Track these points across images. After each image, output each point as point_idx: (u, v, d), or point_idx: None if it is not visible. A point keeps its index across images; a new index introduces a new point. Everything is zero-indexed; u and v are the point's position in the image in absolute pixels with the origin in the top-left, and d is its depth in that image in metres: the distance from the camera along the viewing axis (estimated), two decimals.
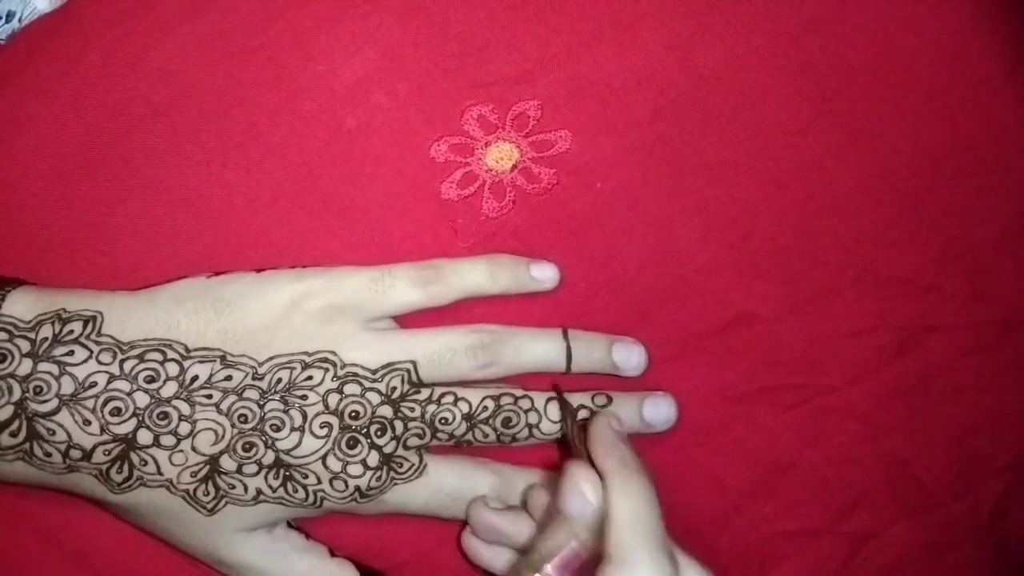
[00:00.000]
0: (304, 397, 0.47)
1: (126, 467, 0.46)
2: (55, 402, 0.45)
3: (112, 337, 0.46)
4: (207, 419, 0.46)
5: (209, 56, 0.51)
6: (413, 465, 0.48)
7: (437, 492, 0.48)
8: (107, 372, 0.46)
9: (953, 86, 0.52)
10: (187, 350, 0.47)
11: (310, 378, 0.47)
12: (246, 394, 0.46)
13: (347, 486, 0.47)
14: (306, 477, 0.47)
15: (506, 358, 0.48)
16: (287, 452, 0.46)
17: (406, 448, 0.48)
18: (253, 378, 0.47)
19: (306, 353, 0.47)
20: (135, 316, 0.47)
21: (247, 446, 0.46)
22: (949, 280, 0.52)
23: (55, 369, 0.45)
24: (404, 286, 0.48)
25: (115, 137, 0.50)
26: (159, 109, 0.51)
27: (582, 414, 0.49)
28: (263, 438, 0.46)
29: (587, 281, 0.51)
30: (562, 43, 0.52)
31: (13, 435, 0.45)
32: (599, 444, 0.44)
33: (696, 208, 0.51)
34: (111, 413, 0.46)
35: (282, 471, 0.46)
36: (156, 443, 0.46)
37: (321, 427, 0.47)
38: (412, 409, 0.47)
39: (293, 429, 0.46)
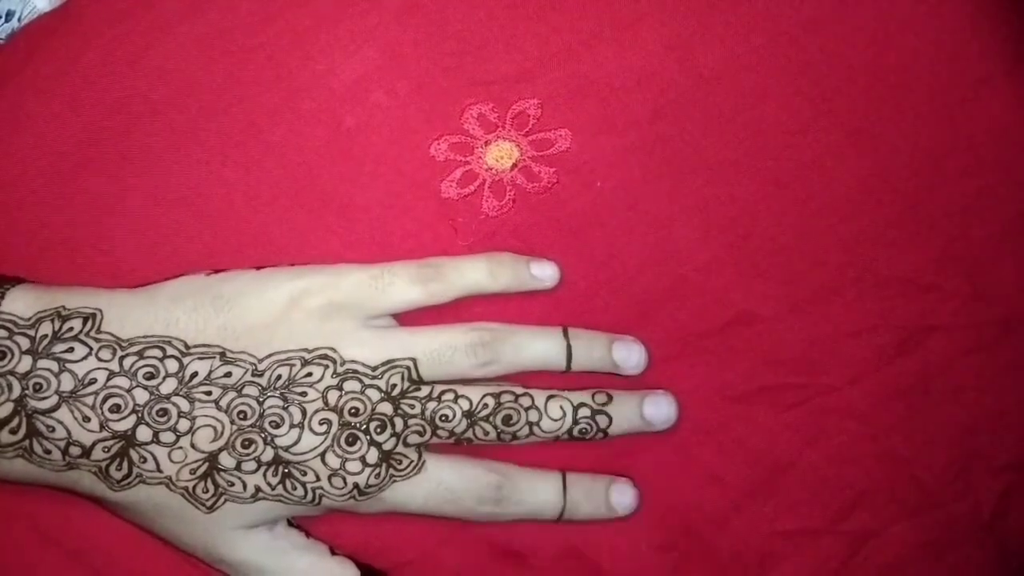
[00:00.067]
0: (303, 394, 0.47)
1: (125, 464, 0.46)
2: (55, 399, 0.45)
3: (111, 334, 0.46)
4: (206, 416, 0.46)
5: (208, 55, 0.51)
6: (412, 462, 0.48)
7: (436, 487, 0.48)
8: (107, 369, 0.46)
9: (953, 86, 0.52)
10: (186, 347, 0.47)
11: (310, 375, 0.47)
12: (245, 391, 0.46)
13: (346, 483, 0.47)
14: (305, 474, 0.46)
15: (506, 356, 0.48)
16: (286, 449, 0.46)
17: (406, 445, 0.48)
18: (252, 375, 0.47)
19: (306, 350, 0.47)
20: (134, 313, 0.47)
21: (246, 443, 0.46)
22: (949, 280, 0.52)
23: (55, 366, 0.45)
24: (404, 284, 0.48)
25: (114, 136, 0.50)
26: (158, 108, 0.51)
27: (583, 412, 0.49)
28: (262, 435, 0.46)
29: (587, 280, 0.51)
30: (562, 42, 0.52)
31: (13, 432, 0.45)
32: None
33: (696, 208, 0.51)
34: (110, 410, 0.46)
35: (281, 468, 0.46)
36: (155, 440, 0.46)
37: (320, 424, 0.46)
38: (412, 406, 0.47)
39: (292, 426, 0.46)
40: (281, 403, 0.46)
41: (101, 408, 0.45)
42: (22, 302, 0.46)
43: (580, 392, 0.50)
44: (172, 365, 0.46)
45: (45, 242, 0.50)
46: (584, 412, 0.49)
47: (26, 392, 0.45)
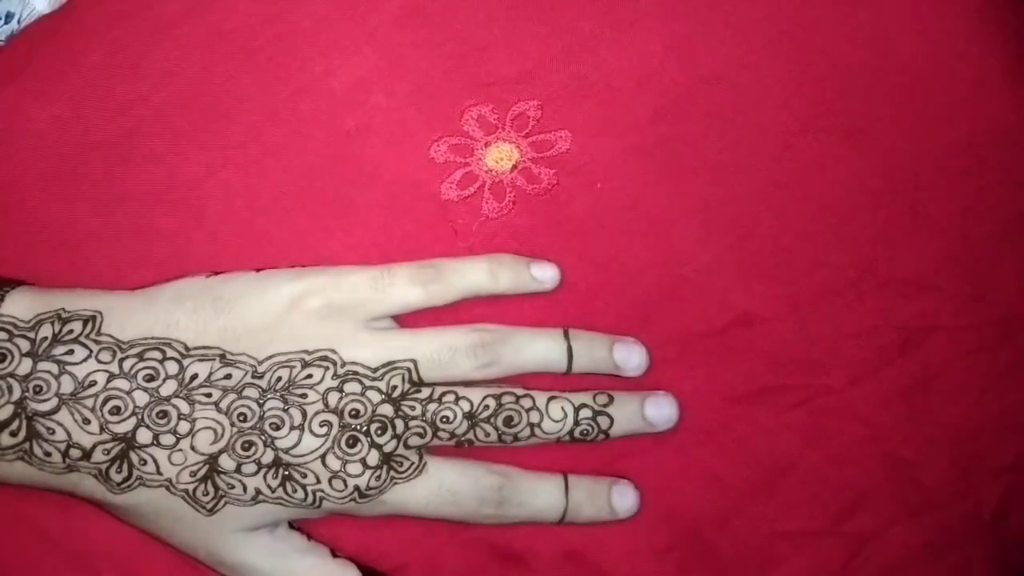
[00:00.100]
0: (304, 395, 0.46)
1: (125, 467, 0.46)
2: (55, 401, 0.45)
3: (112, 336, 0.46)
4: (206, 418, 0.46)
5: (209, 57, 0.51)
6: (413, 464, 0.47)
7: (437, 488, 0.48)
8: (107, 371, 0.46)
9: (953, 86, 0.52)
10: (186, 348, 0.46)
11: (310, 376, 0.47)
12: (245, 392, 0.46)
13: (346, 485, 0.47)
14: (305, 476, 0.46)
15: (507, 357, 0.48)
16: (286, 451, 0.46)
17: (407, 447, 0.47)
18: (253, 376, 0.47)
19: (306, 352, 0.47)
20: (134, 315, 0.47)
21: (246, 445, 0.46)
22: (949, 280, 0.51)
23: (55, 368, 0.45)
24: (404, 285, 0.48)
25: (114, 138, 0.50)
26: (159, 110, 0.51)
27: (584, 413, 0.49)
28: (262, 437, 0.46)
29: (587, 281, 0.51)
30: (562, 43, 0.52)
31: (13, 434, 0.45)
32: None
33: (696, 208, 0.51)
34: (111, 412, 0.46)
35: (281, 470, 0.46)
36: (155, 442, 0.46)
37: (321, 425, 0.46)
38: (413, 408, 0.47)
39: (292, 427, 0.46)
40: (281, 405, 0.46)
41: (101, 410, 0.45)
42: (22, 304, 0.47)
43: (581, 393, 0.49)
44: (172, 367, 0.46)
45: (45, 244, 0.50)
46: (585, 413, 0.49)
47: (26, 394, 0.45)
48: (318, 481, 0.46)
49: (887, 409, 0.51)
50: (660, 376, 0.51)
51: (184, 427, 0.46)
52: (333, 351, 0.47)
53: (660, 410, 0.50)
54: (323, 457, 0.46)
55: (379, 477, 0.47)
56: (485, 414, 0.48)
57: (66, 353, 0.46)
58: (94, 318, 0.46)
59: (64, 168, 0.50)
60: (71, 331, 0.46)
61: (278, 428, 0.46)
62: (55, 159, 0.50)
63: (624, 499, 0.50)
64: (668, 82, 0.52)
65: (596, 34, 0.52)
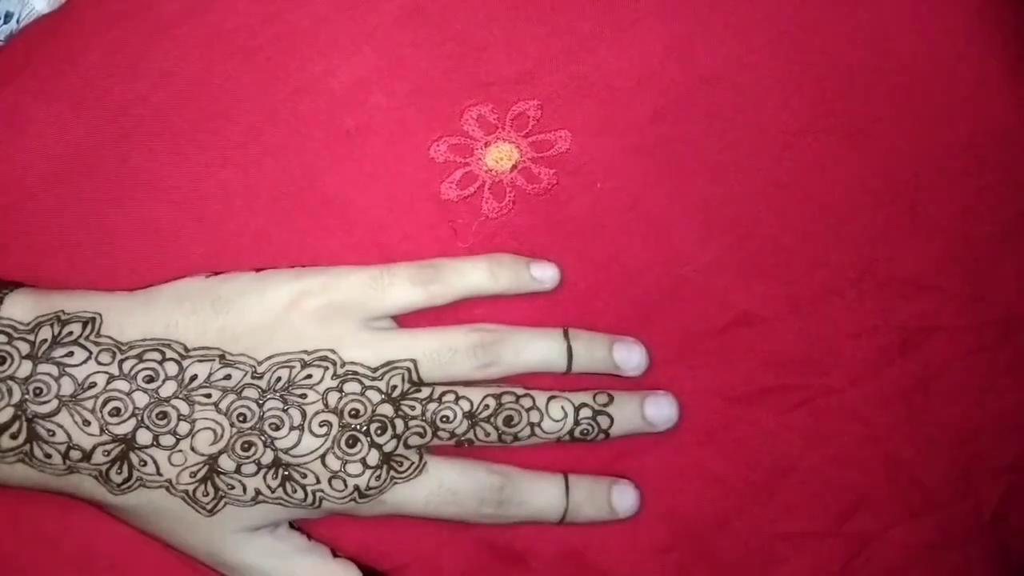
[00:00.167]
0: (303, 396, 0.46)
1: (126, 468, 0.46)
2: (55, 403, 0.45)
3: (111, 338, 0.46)
4: (206, 418, 0.46)
5: (208, 57, 0.51)
6: (413, 464, 0.47)
7: (437, 488, 0.48)
8: (106, 372, 0.46)
9: (953, 86, 0.52)
10: (186, 349, 0.46)
11: (309, 376, 0.47)
12: (245, 393, 0.46)
13: (346, 485, 0.47)
14: (305, 477, 0.46)
15: (507, 357, 0.48)
16: (286, 451, 0.46)
17: (407, 447, 0.47)
18: (252, 377, 0.46)
19: (305, 352, 0.47)
20: (134, 316, 0.47)
21: (246, 445, 0.46)
22: (949, 280, 0.51)
23: (55, 370, 0.45)
24: (404, 285, 0.48)
25: (114, 138, 0.50)
26: (158, 109, 0.51)
27: (584, 413, 0.49)
28: (262, 437, 0.46)
29: (587, 281, 0.51)
30: (562, 43, 0.52)
31: (13, 437, 0.45)
32: None
33: (696, 208, 0.51)
34: (110, 413, 0.45)
35: (281, 471, 0.46)
36: (155, 443, 0.46)
37: (320, 425, 0.46)
38: (413, 407, 0.47)
39: (292, 428, 0.46)
40: (281, 405, 0.46)
41: (101, 412, 0.45)
42: (21, 306, 0.46)
43: (581, 393, 0.49)
44: (172, 368, 0.46)
45: (44, 245, 0.50)
46: (585, 413, 0.49)
47: (26, 397, 0.45)
48: (318, 481, 0.46)
49: (887, 409, 0.51)
50: (660, 376, 0.51)
51: (184, 428, 0.46)
52: (333, 351, 0.47)
53: (660, 410, 0.50)
54: (323, 457, 0.46)
55: (379, 477, 0.47)
56: (485, 414, 0.48)
57: (66, 355, 0.46)
58: (94, 320, 0.46)
59: (63, 168, 0.50)
60: (71, 333, 0.46)
61: (278, 428, 0.46)
62: (54, 159, 0.50)
63: (624, 499, 0.50)
64: (668, 82, 0.52)
65: (596, 34, 0.52)
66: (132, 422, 0.46)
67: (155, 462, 0.46)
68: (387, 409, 0.47)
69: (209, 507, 0.46)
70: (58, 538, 0.49)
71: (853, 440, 0.51)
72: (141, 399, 0.46)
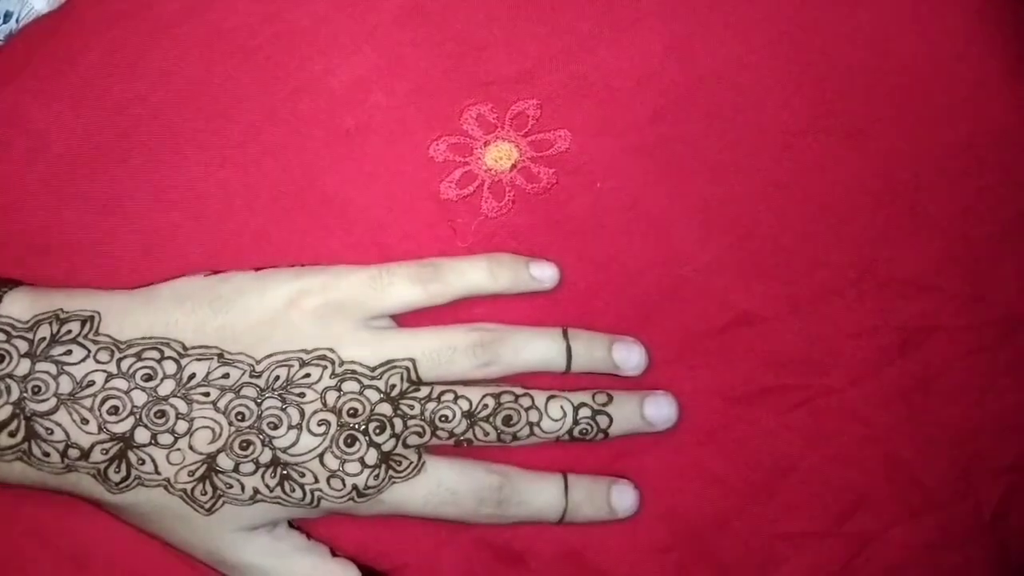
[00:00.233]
0: (302, 395, 0.46)
1: (124, 466, 0.46)
2: (53, 401, 0.45)
3: (110, 336, 0.46)
4: (204, 417, 0.46)
5: (207, 56, 0.51)
6: (412, 463, 0.47)
7: (436, 487, 0.48)
8: (105, 371, 0.46)
9: (953, 86, 0.52)
10: (185, 348, 0.46)
11: (308, 375, 0.47)
12: (244, 392, 0.46)
13: (344, 485, 0.47)
14: (303, 476, 0.46)
15: (506, 357, 0.48)
16: (284, 450, 0.46)
17: (405, 446, 0.47)
18: (251, 376, 0.46)
19: (304, 351, 0.47)
20: (133, 315, 0.47)
21: (244, 444, 0.46)
22: (949, 280, 0.51)
23: (53, 369, 0.45)
24: (403, 284, 0.48)
25: (113, 137, 0.51)
26: (158, 109, 0.51)
27: (583, 412, 0.49)
28: (260, 436, 0.46)
29: (587, 281, 0.51)
30: (561, 43, 0.52)
31: (12, 435, 0.45)
32: None
33: (696, 208, 0.51)
34: (109, 412, 0.45)
35: (279, 470, 0.46)
36: (154, 442, 0.46)
37: (319, 424, 0.46)
38: (411, 407, 0.47)
39: (290, 427, 0.46)
40: (279, 404, 0.46)
41: (99, 410, 0.45)
42: (20, 305, 0.47)
43: (580, 393, 0.49)
44: (170, 367, 0.46)
45: (44, 243, 0.50)
46: (584, 412, 0.49)
47: (25, 395, 0.45)
48: (316, 480, 0.46)
49: (887, 409, 0.51)
50: (660, 376, 0.51)
51: (182, 426, 0.46)
52: (331, 350, 0.47)
53: (659, 410, 0.50)
54: (321, 456, 0.46)
55: (377, 476, 0.47)
56: (484, 413, 0.48)
57: (64, 353, 0.46)
58: (92, 318, 0.46)
59: (63, 167, 0.50)
60: (69, 331, 0.46)
61: (276, 427, 0.46)
62: (54, 159, 0.50)
63: (623, 499, 0.50)
64: (668, 82, 0.52)
65: (596, 34, 0.52)
66: (130, 420, 0.46)
67: (153, 461, 0.46)
68: (386, 408, 0.47)
69: (207, 506, 0.46)
70: (56, 536, 0.49)
71: (853, 440, 0.51)
72: (139, 398, 0.46)
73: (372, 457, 0.47)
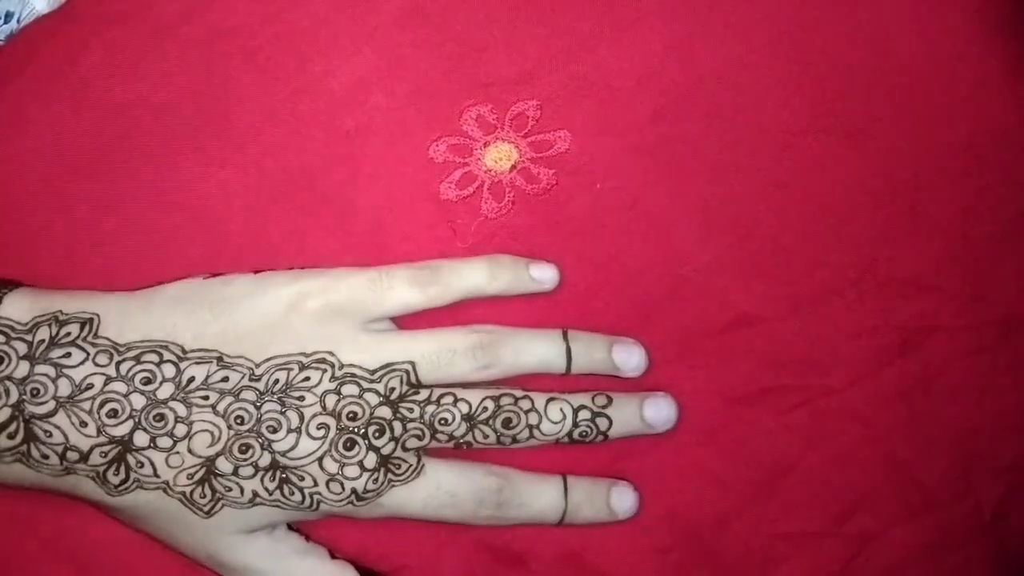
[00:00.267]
0: (301, 398, 0.46)
1: (123, 469, 0.46)
2: (52, 404, 0.45)
3: (109, 339, 0.46)
4: (203, 420, 0.46)
5: (208, 57, 0.51)
6: (411, 466, 0.47)
7: (435, 490, 0.48)
8: (104, 374, 0.46)
9: (953, 86, 0.52)
10: (184, 351, 0.46)
11: (307, 379, 0.47)
12: (243, 395, 0.46)
13: (343, 488, 0.47)
14: (302, 479, 0.46)
15: (506, 359, 0.48)
16: (283, 454, 0.46)
17: (405, 449, 0.47)
18: (250, 379, 0.46)
19: (303, 354, 0.47)
20: (132, 318, 0.47)
21: (243, 447, 0.46)
22: (949, 280, 0.51)
23: (52, 371, 0.45)
24: (403, 287, 0.48)
25: (113, 138, 0.51)
26: (158, 110, 0.51)
27: (583, 415, 0.49)
28: (259, 439, 0.46)
29: (587, 282, 0.51)
30: (561, 43, 0.52)
31: (10, 437, 0.45)
32: None
33: (696, 208, 0.51)
34: (108, 415, 0.46)
35: (278, 473, 0.46)
36: (152, 445, 0.46)
37: (318, 428, 0.46)
38: (411, 410, 0.47)
39: (290, 430, 0.46)
40: (278, 407, 0.46)
41: (98, 413, 0.45)
42: (19, 306, 0.47)
43: (580, 395, 0.49)
44: (169, 370, 0.46)
45: (44, 245, 0.50)
46: (584, 414, 0.49)
47: (24, 397, 0.45)
48: (315, 484, 0.46)
49: (887, 409, 0.51)
50: (660, 376, 0.51)
51: (181, 430, 0.46)
52: (331, 353, 0.47)
53: (659, 411, 0.50)
54: (320, 460, 0.46)
55: (376, 480, 0.47)
56: (484, 416, 0.48)
57: (63, 356, 0.46)
58: (91, 320, 0.46)
59: (63, 168, 0.50)
60: (68, 334, 0.46)
61: (275, 431, 0.46)
62: (54, 160, 0.50)
63: (623, 500, 0.50)
64: (668, 82, 0.52)
65: (596, 34, 0.52)
66: (129, 424, 0.46)
67: (152, 464, 0.46)
68: (385, 411, 0.47)
69: (206, 509, 0.46)
70: (56, 538, 0.49)
71: (853, 440, 0.51)
72: (138, 401, 0.46)
73: (371, 461, 0.47)
